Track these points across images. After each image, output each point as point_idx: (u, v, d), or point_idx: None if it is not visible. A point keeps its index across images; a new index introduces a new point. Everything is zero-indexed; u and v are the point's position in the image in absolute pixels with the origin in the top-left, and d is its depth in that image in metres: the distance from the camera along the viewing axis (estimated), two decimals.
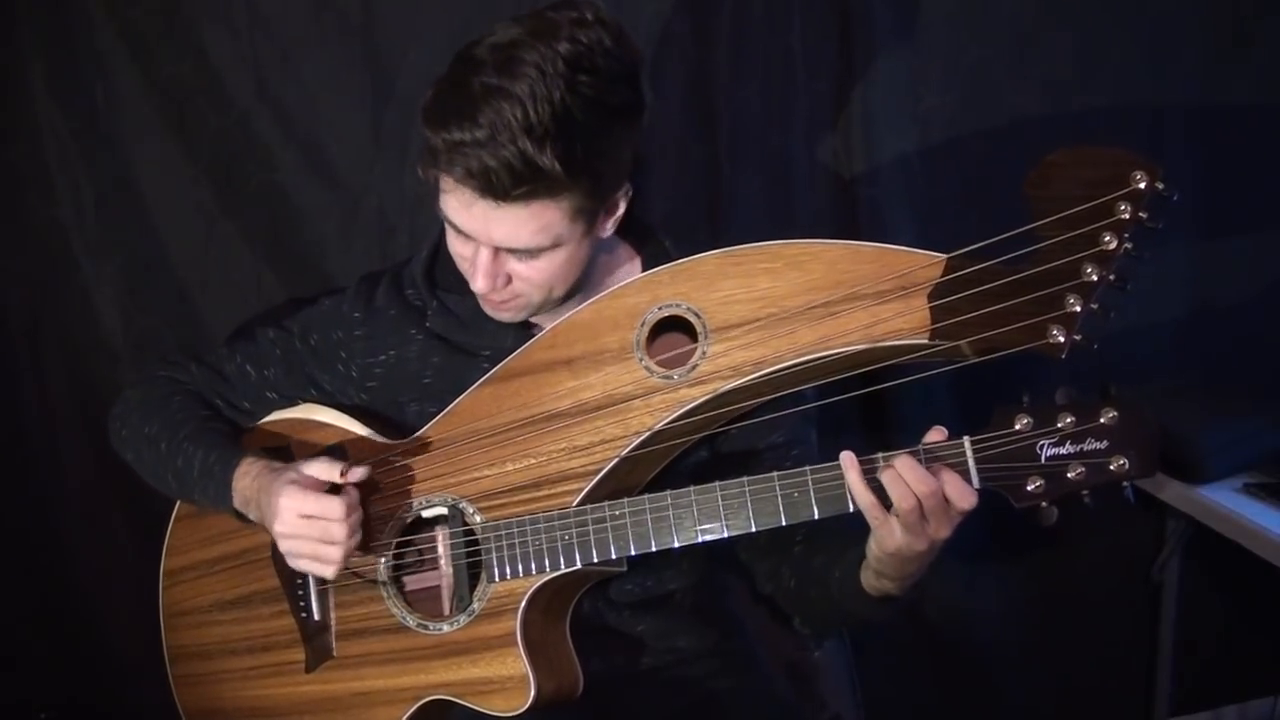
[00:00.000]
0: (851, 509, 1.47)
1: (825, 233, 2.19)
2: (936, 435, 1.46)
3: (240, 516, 1.75)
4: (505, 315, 1.71)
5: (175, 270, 2.24)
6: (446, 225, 1.63)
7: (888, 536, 1.46)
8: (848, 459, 1.45)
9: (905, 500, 1.42)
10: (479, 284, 1.63)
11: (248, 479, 1.72)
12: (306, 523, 1.62)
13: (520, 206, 1.53)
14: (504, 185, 1.50)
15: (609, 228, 1.67)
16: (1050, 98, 2.37)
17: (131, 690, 2.33)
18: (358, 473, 1.65)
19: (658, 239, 1.79)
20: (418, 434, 1.74)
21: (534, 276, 1.63)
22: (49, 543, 2.32)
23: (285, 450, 1.83)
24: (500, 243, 1.58)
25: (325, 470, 1.65)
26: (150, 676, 1.99)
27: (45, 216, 2.19)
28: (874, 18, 2.27)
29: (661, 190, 2.26)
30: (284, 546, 1.65)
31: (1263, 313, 2.50)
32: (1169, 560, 2.53)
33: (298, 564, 1.67)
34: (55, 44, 2.13)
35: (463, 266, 1.67)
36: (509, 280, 1.64)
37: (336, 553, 1.63)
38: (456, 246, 1.65)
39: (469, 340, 1.76)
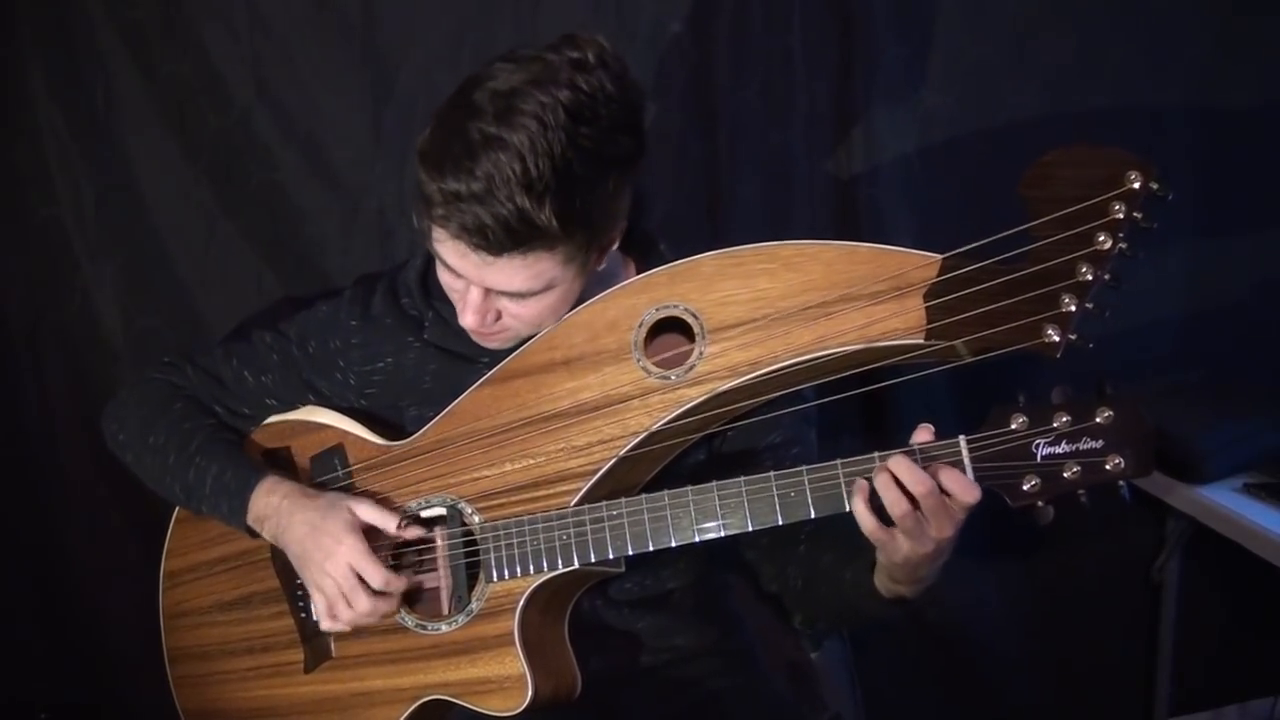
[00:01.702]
0: (849, 509, 1.46)
1: (824, 233, 2.20)
2: (925, 435, 1.45)
3: (251, 533, 1.76)
4: (492, 344, 1.70)
5: (175, 270, 2.24)
6: (437, 260, 1.62)
7: (894, 550, 1.45)
8: (860, 486, 1.44)
9: (898, 505, 1.40)
10: (468, 320, 1.62)
11: (275, 497, 1.72)
12: (348, 576, 1.65)
13: (516, 259, 1.52)
14: (500, 241, 1.49)
15: (603, 263, 1.67)
16: (1050, 98, 2.36)
17: (131, 690, 2.33)
18: (413, 531, 1.69)
19: (654, 245, 1.78)
20: (416, 435, 1.74)
21: (524, 314, 1.62)
22: (49, 543, 2.32)
23: (286, 453, 1.84)
24: (493, 286, 1.58)
25: (380, 518, 1.69)
26: (150, 677, 1.99)
27: (45, 216, 2.20)
28: (874, 18, 2.27)
29: (661, 190, 2.26)
30: (319, 580, 1.67)
31: (1263, 313, 2.50)
32: (1169, 560, 2.53)
33: (316, 595, 1.70)
34: (55, 44, 2.13)
35: (452, 296, 1.66)
36: (499, 316, 1.63)
37: (346, 614, 1.66)
38: (446, 279, 1.64)
39: (467, 349, 1.75)
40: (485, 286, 1.58)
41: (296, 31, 2.16)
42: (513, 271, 1.54)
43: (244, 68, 2.16)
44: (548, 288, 1.58)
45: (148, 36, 2.14)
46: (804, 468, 1.49)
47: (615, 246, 1.67)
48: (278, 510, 1.71)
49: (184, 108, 2.17)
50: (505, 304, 1.61)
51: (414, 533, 1.69)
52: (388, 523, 1.68)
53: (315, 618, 1.77)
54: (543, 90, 1.47)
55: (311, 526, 1.68)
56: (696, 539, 1.55)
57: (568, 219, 1.49)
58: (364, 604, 1.66)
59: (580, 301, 1.66)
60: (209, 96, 2.17)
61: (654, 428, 1.58)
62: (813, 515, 1.49)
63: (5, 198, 2.19)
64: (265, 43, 2.16)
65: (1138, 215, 1.36)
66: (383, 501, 1.72)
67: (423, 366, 1.78)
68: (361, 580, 1.66)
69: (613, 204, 1.58)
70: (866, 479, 1.44)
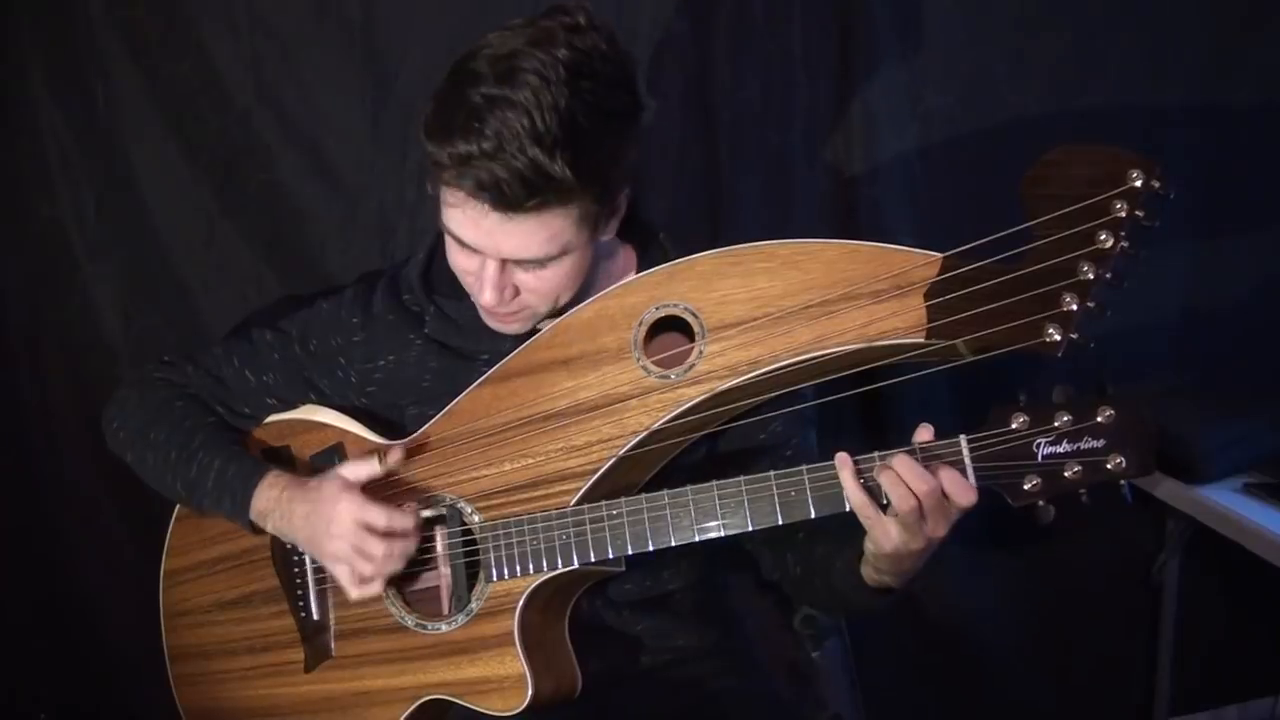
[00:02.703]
0: (848, 509, 1.47)
1: (825, 232, 2.19)
2: (925, 434, 1.45)
3: (254, 529, 1.76)
4: (511, 328, 1.70)
5: (175, 270, 2.25)
6: (449, 239, 1.62)
7: (883, 537, 1.45)
8: (842, 459, 1.45)
9: (905, 501, 1.41)
10: (486, 297, 1.62)
11: (275, 490, 1.72)
12: (355, 530, 1.64)
13: (532, 217, 1.52)
14: (517, 196, 1.49)
15: (612, 229, 1.67)
16: (1050, 98, 2.36)
17: (131, 690, 2.33)
18: (395, 456, 1.67)
19: (656, 239, 1.78)
20: (416, 434, 1.73)
21: (541, 287, 1.62)
22: (49, 543, 2.32)
23: (286, 452, 1.84)
24: (509, 255, 1.58)
25: (366, 468, 1.68)
26: (150, 676, 1.99)
27: (45, 216, 2.20)
28: (874, 17, 2.27)
29: (661, 190, 2.26)
30: (332, 547, 1.66)
31: (1263, 313, 2.49)
32: (1169, 560, 2.52)
33: (336, 568, 1.68)
34: (55, 44, 2.13)
35: (466, 281, 1.66)
36: (516, 292, 1.63)
37: (369, 568, 1.65)
38: (460, 261, 1.64)
39: (467, 345, 1.75)
40: (502, 257, 1.58)
41: (296, 31, 2.17)
42: (528, 234, 1.54)
43: (244, 68, 2.16)
44: (563, 252, 1.58)
45: (148, 36, 2.14)
46: (804, 467, 1.50)
47: (622, 212, 1.66)
48: (279, 503, 1.71)
49: (184, 108, 2.18)
50: (522, 277, 1.61)
51: (395, 457, 1.67)
52: (375, 469, 1.67)
53: (314, 616, 1.77)
54: (542, 49, 1.49)
55: (311, 506, 1.68)
56: (696, 538, 1.56)
57: (580, 170, 1.49)
58: (378, 548, 1.64)
59: (586, 283, 1.67)
60: (209, 96, 2.17)
61: (654, 427, 1.58)
62: (813, 515, 1.49)
63: (5, 198, 2.19)
64: (265, 43, 2.16)
65: (1139, 213, 1.36)
66: (382, 501, 1.71)
67: (423, 364, 1.78)
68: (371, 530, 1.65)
69: (620, 159, 1.59)
70: (863, 466, 1.45)
